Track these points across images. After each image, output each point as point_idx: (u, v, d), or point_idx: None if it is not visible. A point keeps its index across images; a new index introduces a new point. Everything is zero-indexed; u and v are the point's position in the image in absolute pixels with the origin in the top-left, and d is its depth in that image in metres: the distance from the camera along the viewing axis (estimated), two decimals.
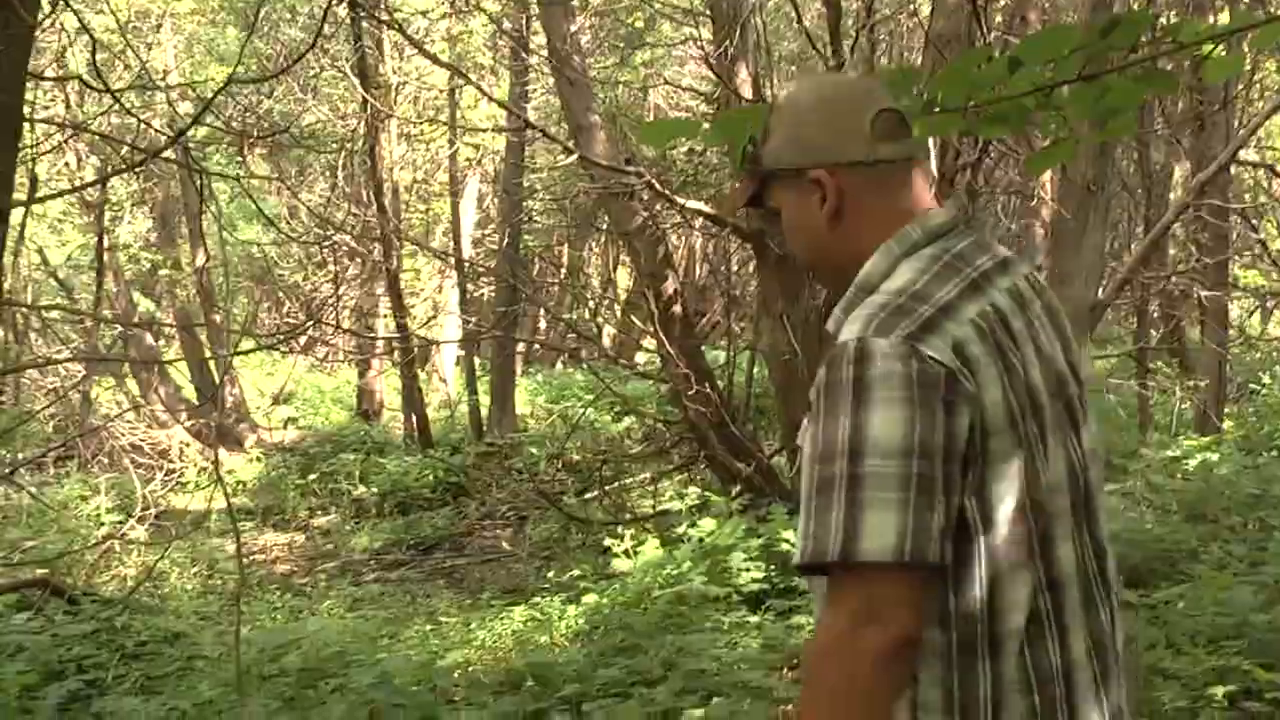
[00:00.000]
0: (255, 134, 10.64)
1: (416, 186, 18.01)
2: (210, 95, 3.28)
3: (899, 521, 1.46)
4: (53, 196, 8.78)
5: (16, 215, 14.91)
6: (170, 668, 5.60)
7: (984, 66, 2.79)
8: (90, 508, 9.27)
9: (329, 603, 7.87)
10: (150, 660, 5.85)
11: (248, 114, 16.81)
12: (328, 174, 18.11)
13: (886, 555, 1.46)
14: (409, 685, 5.06)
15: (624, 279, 19.23)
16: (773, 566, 6.52)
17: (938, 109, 2.88)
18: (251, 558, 10.46)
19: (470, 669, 5.77)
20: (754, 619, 5.93)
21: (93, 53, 3.70)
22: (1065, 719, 1.60)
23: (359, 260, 16.73)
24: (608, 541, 7.15)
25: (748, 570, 6.48)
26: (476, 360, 16.59)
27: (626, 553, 6.98)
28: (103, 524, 8.71)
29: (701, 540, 6.92)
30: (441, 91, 15.98)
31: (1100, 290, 6.99)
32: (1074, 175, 6.91)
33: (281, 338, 13.83)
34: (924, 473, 1.48)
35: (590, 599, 6.62)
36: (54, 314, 15.09)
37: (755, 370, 9.57)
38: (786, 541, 6.56)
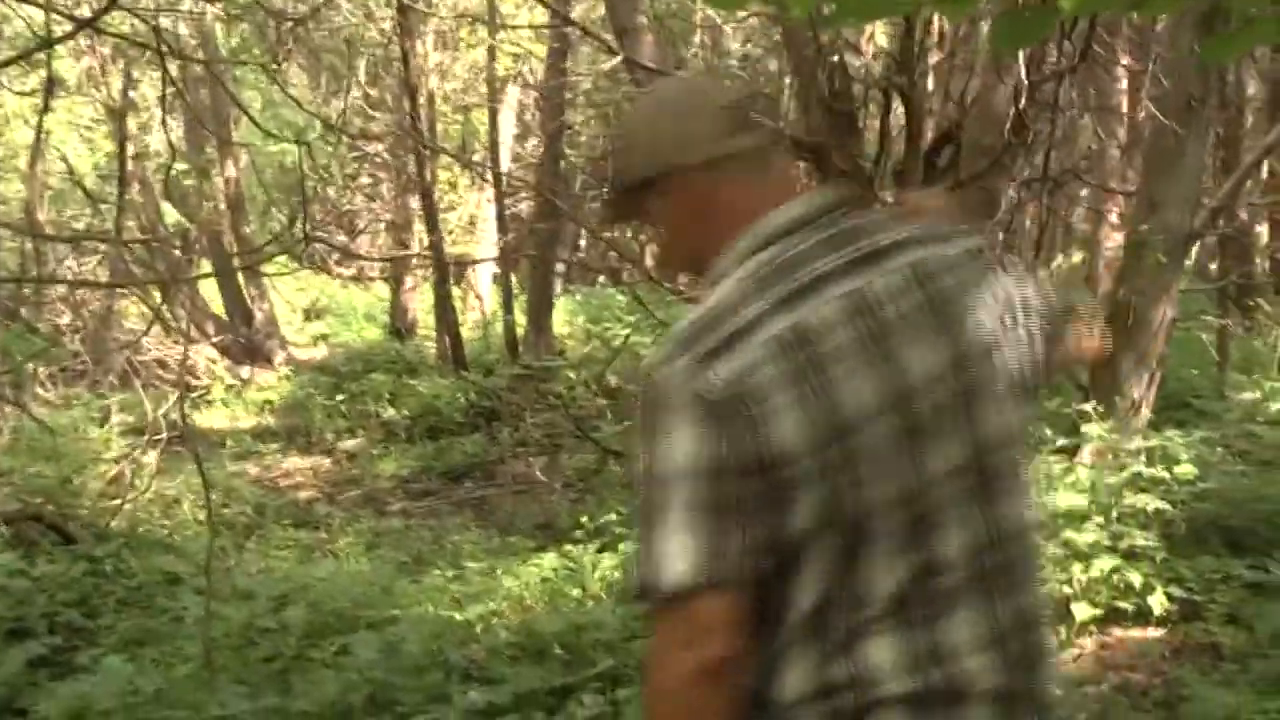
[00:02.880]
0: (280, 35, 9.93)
1: (455, 96, 17.29)
2: None
3: (697, 545, 1.47)
4: None
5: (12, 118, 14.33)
6: (161, 621, 5.09)
7: None
8: (103, 431, 8.79)
9: (347, 539, 7.36)
10: (144, 608, 5.34)
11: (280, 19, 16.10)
12: (362, 82, 17.40)
13: (687, 580, 1.46)
14: (424, 649, 4.53)
15: None
16: None
17: None
18: (273, 482, 10.00)
19: (493, 623, 5.24)
20: None
21: None
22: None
23: (393, 172, 16.10)
24: None
25: None
26: (514, 278, 15.96)
27: None
28: (111, 449, 8.21)
29: None
30: None
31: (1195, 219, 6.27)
32: (1176, 88, 6.14)
33: (309, 250, 13.24)
34: (720, 492, 1.48)
35: (625, 547, 6.07)
36: (78, 225, 14.60)
37: None
38: None
